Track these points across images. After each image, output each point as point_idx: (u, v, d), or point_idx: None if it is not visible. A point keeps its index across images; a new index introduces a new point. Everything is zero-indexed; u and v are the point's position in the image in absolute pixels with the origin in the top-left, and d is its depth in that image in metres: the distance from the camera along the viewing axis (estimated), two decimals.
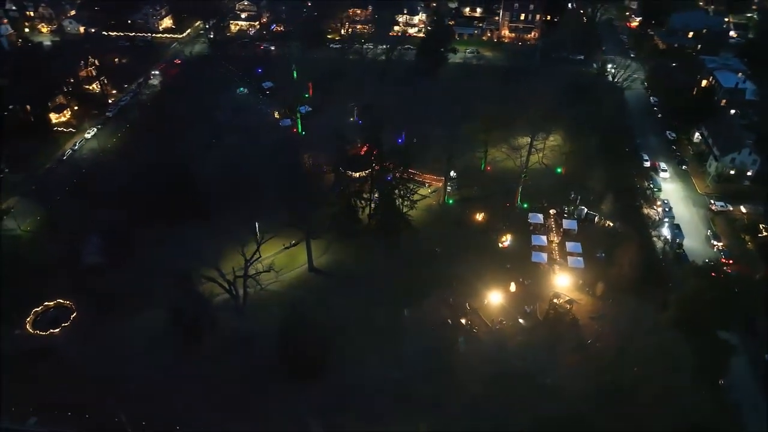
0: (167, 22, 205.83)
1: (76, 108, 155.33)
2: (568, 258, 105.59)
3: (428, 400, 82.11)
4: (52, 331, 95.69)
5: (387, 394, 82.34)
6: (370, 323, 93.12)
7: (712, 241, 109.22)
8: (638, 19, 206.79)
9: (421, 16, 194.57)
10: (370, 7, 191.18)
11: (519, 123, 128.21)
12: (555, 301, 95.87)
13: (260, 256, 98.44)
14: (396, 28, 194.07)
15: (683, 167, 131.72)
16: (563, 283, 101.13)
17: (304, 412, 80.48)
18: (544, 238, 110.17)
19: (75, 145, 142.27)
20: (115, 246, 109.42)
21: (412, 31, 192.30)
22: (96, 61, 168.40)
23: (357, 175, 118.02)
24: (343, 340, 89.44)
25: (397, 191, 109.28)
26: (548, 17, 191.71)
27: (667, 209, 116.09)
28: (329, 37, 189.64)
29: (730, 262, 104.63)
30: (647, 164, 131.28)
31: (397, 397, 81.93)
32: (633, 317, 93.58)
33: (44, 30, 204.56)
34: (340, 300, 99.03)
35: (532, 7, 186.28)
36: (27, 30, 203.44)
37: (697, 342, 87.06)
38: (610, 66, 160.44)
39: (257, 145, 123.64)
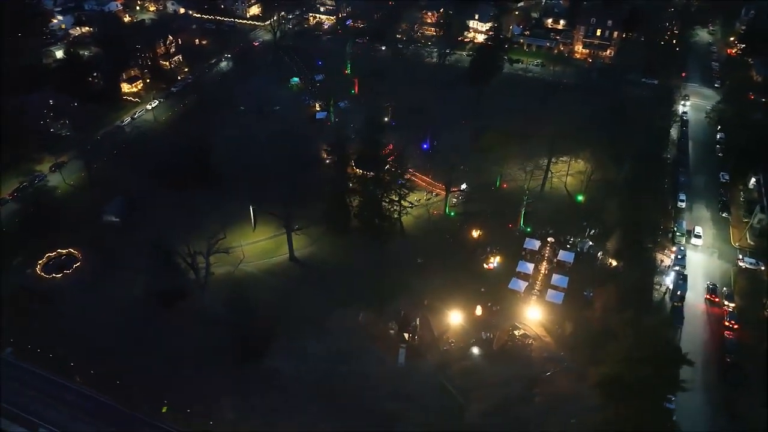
0: (255, 10, 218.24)
1: (148, 81, 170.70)
2: (549, 291, 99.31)
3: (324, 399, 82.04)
4: (55, 275, 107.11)
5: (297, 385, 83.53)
6: (320, 320, 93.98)
7: (723, 300, 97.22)
8: (741, 46, 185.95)
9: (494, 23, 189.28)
10: (441, 10, 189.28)
11: (542, 142, 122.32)
12: (514, 333, 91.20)
13: (224, 236, 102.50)
14: (466, 33, 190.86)
15: (724, 214, 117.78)
16: (534, 315, 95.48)
17: (219, 391, 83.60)
18: (531, 266, 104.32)
19: (135, 114, 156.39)
20: (133, 208, 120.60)
21: (481, 38, 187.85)
22: (177, 40, 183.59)
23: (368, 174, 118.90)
24: (287, 329, 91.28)
25: (383, 194, 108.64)
26: (629, 35, 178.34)
27: (680, 256, 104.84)
28: (398, 37, 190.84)
29: (735, 326, 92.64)
30: (682, 205, 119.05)
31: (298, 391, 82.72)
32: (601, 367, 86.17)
33: (151, 9, 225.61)
34: (307, 292, 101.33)
35: (610, 23, 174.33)
36: (138, 8, 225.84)
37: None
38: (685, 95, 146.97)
39: (279, 134, 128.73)
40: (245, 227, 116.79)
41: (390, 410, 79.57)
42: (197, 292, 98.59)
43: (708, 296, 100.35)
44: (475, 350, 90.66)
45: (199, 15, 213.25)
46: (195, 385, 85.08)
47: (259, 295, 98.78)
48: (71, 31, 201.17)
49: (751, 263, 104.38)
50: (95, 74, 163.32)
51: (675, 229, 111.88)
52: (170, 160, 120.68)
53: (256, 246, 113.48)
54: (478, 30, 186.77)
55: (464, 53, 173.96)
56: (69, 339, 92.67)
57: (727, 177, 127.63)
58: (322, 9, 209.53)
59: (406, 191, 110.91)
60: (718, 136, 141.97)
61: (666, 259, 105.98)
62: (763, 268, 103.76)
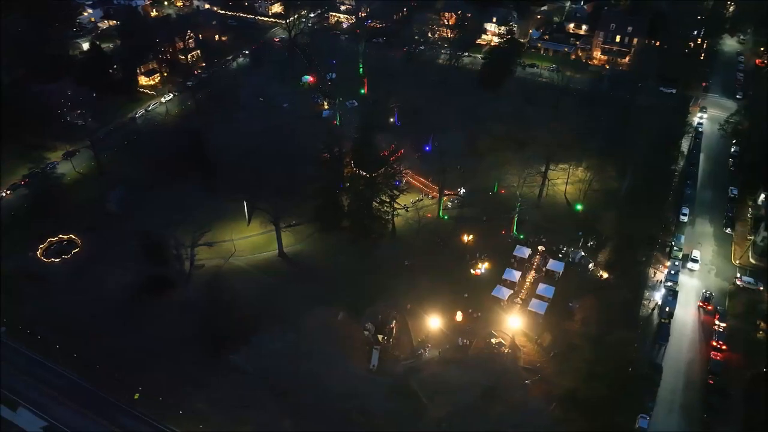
0: (277, 8, 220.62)
1: (165, 74, 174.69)
2: (533, 300, 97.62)
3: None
4: (54, 260, 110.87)
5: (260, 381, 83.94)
6: (298, 317, 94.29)
7: (716, 311, 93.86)
8: None
9: (512, 27, 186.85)
10: (459, 12, 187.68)
11: (544, 148, 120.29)
12: (491, 341, 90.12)
13: (209, 230, 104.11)
14: (484, 36, 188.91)
15: (728, 230, 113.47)
16: (515, 324, 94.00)
17: (190, 382, 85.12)
18: (518, 274, 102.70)
19: (149, 106, 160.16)
20: (133, 199, 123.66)
21: (497, 41, 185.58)
22: (198, 35, 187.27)
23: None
24: (262, 325, 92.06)
25: (373, 194, 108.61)
26: (651, 42, 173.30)
27: (673, 272, 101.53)
28: (416, 38, 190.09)
29: (723, 347, 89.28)
30: (684, 219, 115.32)
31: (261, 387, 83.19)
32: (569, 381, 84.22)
33: (178, 3, 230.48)
34: (290, 289, 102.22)
35: (630, 29, 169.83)
36: (166, 3, 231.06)
37: None
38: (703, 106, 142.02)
39: (277, 130, 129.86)
40: (240, 221, 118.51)
41: (350, 410, 79.37)
42: (182, 283, 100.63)
43: (701, 303, 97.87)
44: (450, 356, 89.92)
45: (223, 11, 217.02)
46: (169, 375, 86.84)
47: (243, 289, 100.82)
48: (99, 24, 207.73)
49: (749, 282, 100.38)
50: (115, 66, 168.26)
51: (672, 243, 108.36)
52: (169, 152, 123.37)
53: (249, 241, 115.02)
54: (495, 33, 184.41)
55: (479, 56, 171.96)
56: (58, 322, 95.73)
57: (736, 192, 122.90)
58: (342, 8, 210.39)
59: (397, 192, 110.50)
60: (732, 150, 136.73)
61: (659, 273, 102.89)
62: (761, 288, 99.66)
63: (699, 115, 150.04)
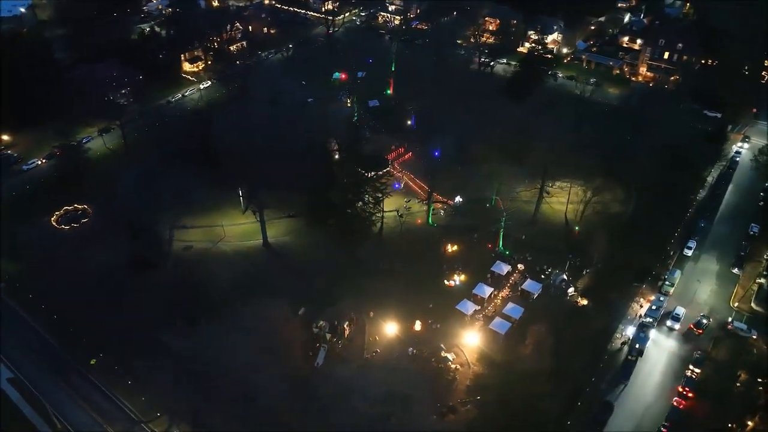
0: (330, 5, 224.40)
1: (208, 62, 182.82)
2: (496, 319, 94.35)
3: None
4: (64, 226, 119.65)
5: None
6: (259, 308, 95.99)
7: (689, 365, 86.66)
8: None
9: (556, 36, 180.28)
10: (502, 19, 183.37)
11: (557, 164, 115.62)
12: (440, 354, 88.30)
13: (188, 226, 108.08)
14: (526, 44, 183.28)
15: (735, 270, 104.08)
16: (471, 341, 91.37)
17: (143, 355, 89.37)
18: (489, 290, 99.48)
19: (186, 92, 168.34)
20: (144, 178, 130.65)
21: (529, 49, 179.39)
22: (248, 27, 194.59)
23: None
24: (220, 311, 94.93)
25: (357, 194, 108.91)
26: (704, 61, 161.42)
27: (654, 307, 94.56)
28: (459, 42, 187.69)
29: (689, 394, 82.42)
30: (688, 253, 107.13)
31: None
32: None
33: None
34: (264, 278, 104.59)
35: (680, 45, 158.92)
36: None
37: None
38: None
39: (293, 124, 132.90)
40: (237, 208, 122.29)
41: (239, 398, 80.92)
42: (162, 263, 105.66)
43: (692, 326, 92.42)
44: (395, 363, 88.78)
45: (279, 5, 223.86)
46: (129, 347, 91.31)
47: (218, 274, 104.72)
48: (165, 12, 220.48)
49: (740, 329, 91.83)
50: (163, 52, 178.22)
51: (665, 278, 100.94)
52: (182, 138, 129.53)
53: (240, 228, 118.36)
54: (541, 42, 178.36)
55: (514, 64, 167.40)
56: (50, 285, 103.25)
57: (757, 229, 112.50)
58: (391, 8, 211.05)
59: (380, 195, 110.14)
60: (767, 184, 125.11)
61: (642, 308, 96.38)
62: (755, 336, 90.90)
63: (739, 144, 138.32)
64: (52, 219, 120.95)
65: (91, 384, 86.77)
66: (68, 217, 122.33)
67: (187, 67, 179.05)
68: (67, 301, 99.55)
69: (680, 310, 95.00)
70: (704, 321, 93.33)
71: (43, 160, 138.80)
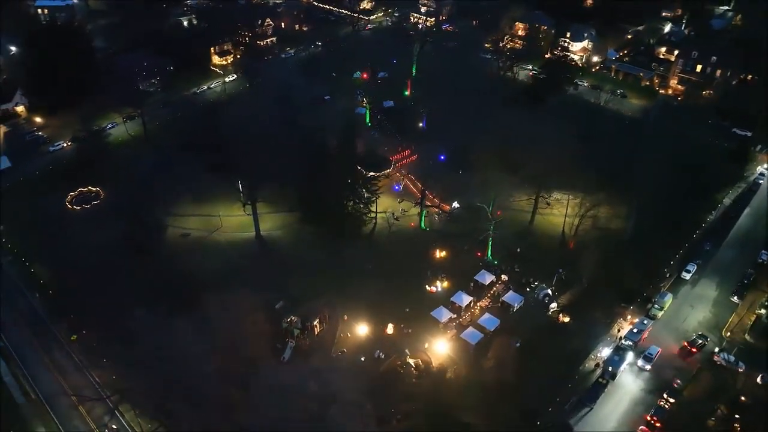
0: (367, 5, 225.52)
1: (238, 56, 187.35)
2: (469, 329, 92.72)
3: None
4: (76, 207, 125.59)
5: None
6: (236, 298, 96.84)
7: (663, 394, 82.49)
8: None
9: (586, 44, 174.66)
10: (535, 24, 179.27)
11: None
12: (409, 360, 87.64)
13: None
14: (555, 51, 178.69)
15: (734, 298, 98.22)
16: (440, 349, 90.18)
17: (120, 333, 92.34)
18: (468, 299, 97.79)
19: (212, 84, 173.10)
20: (156, 166, 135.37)
21: (575, 57, 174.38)
22: (281, 23, 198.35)
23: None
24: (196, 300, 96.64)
25: (348, 194, 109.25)
26: (744, 77, 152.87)
27: (636, 330, 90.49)
28: (486, 46, 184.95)
29: (657, 424, 78.52)
30: (686, 277, 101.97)
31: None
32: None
33: None
34: (249, 270, 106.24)
35: (714, 59, 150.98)
36: None
37: None
38: None
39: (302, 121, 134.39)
40: (238, 199, 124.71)
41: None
42: (156, 248, 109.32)
43: (686, 343, 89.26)
44: (360, 366, 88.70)
45: (315, 3, 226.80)
46: (111, 326, 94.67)
47: (207, 262, 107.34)
48: (205, 5, 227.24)
49: (726, 360, 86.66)
50: (194, 44, 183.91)
51: (654, 301, 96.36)
52: (194, 129, 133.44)
53: (237, 219, 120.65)
54: (569, 49, 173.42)
55: (537, 70, 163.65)
56: (53, 260, 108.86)
57: (766, 257, 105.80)
58: (423, 9, 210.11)
59: (369, 196, 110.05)
60: None
61: (616, 328, 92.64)
62: (740, 370, 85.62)
63: (765, 165, 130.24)
64: (67, 199, 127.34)
65: (69, 358, 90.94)
66: (81, 198, 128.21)
67: (216, 60, 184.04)
68: (63, 278, 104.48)
69: (654, 350, 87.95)
70: (699, 341, 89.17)
71: (68, 143, 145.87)
